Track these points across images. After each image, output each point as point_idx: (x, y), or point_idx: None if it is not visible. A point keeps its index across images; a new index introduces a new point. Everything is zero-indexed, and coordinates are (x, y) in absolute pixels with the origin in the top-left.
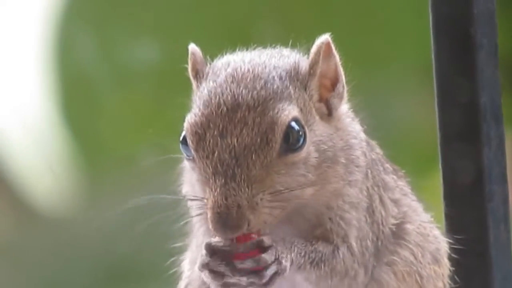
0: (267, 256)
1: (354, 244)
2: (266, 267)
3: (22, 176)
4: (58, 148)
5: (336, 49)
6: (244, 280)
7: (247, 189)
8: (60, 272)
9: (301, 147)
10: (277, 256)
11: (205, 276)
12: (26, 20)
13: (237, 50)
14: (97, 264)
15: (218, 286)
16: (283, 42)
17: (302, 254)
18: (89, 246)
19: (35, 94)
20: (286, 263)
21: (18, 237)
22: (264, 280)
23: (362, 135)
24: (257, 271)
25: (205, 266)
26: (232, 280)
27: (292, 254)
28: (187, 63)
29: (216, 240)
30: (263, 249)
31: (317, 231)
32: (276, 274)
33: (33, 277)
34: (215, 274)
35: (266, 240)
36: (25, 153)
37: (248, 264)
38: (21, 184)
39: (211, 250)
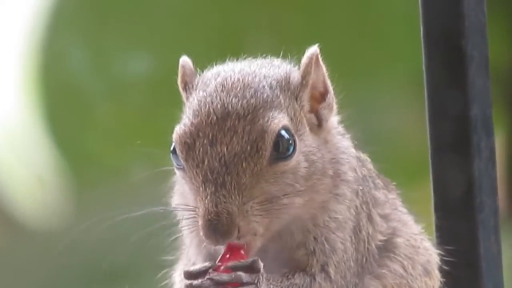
0: (244, 276)
1: (332, 272)
2: (243, 284)
3: (8, 188)
4: (46, 160)
5: (325, 59)
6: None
7: (237, 197)
8: (48, 285)
9: (291, 155)
10: (256, 282)
11: None
12: (13, 29)
13: (228, 60)
14: (85, 276)
15: None
16: (275, 53)
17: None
18: (78, 259)
19: (23, 106)
20: None
21: (4, 249)
22: None
23: (352, 151)
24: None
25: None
26: None
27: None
28: (177, 75)
29: (192, 267)
30: (251, 270)
31: (300, 252)
32: None
33: None
34: None
35: (259, 264)
36: (12, 165)
37: (225, 277)
38: (7, 196)
39: (189, 276)
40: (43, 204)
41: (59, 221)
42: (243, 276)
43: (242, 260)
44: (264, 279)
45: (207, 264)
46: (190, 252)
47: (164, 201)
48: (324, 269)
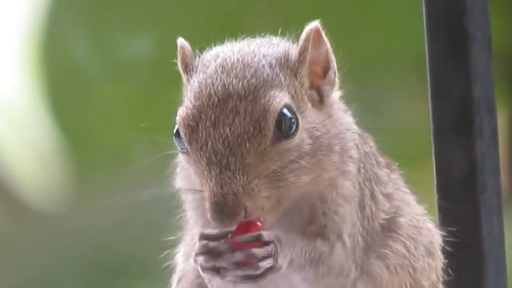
0: (259, 251)
1: (347, 240)
2: (259, 260)
3: (12, 171)
4: (48, 142)
5: (327, 36)
6: (238, 272)
7: (242, 177)
8: (52, 266)
9: (294, 133)
10: (273, 253)
11: (202, 263)
12: (14, 13)
13: (227, 41)
14: (89, 257)
15: (214, 277)
16: (275, 33)
17: (303, 253)
18: (82, 240)
19: (25, 89)
20: (282, 262)
21: (8, 232)
22: (258, 272)
23: (355, 127)
24: (252, 263)
25: (201, 249)
26: (229, 271)
27: (293, 254)
28: (177, 56)
29: (210, 230)
30: (262, 243)
31: (312, 227)
32: (270, 269)
33: (25, 271)
34: (211, 257)
35: (266, 236)
36: (15, 148)
37: (238, 256)
38: (11, 179)
39: (205, 238)
40: (46, 186)
41: (61, 203)
42: (257, 252)
43: (250, 234)
44: (281, 248)
45: (225, 229)
46: (194, 232)
47: (167, 183)
48: (339, 237)
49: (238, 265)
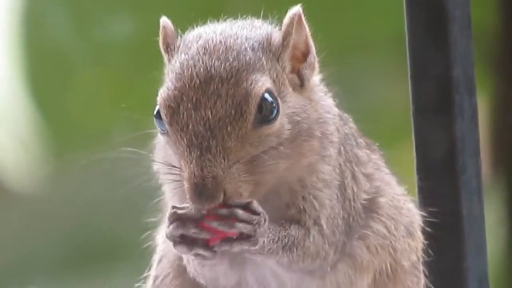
0: (242, 213)
1: (324, 225)
2: (241, 221)
3: None
4: (28, 123)
5: (306, 19)
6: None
7: (222, 160)
8: (32, 248)
9: (274, 118)
10: (255, 223)
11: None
12: None
13: (209, 22)
14: (69, 239)
15: (190, 256)
16: (255, 14)
17: (276, 239)
18: (61, 222)
19: (4, 70)
20: (260, 237)
21: None
22: (233, 229)
23: (335, 110)
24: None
25: (171, 233)
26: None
27: (265, 239)
28: (159, 36)
29: (181, 207)
30: (251, 212)
31: (290, 211)
32: (246, 238)
33: (4, 253)
34: (184, 241)
35: (255, 206)
36: None
37: (222, 212)
38: None
39: (176, 218)
40: (25, 168)
41: (41, 185)
42: (241, 212)
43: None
44: (265, 225)
45: (199, 210)
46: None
47: (146, 165)
48: (316, 222)
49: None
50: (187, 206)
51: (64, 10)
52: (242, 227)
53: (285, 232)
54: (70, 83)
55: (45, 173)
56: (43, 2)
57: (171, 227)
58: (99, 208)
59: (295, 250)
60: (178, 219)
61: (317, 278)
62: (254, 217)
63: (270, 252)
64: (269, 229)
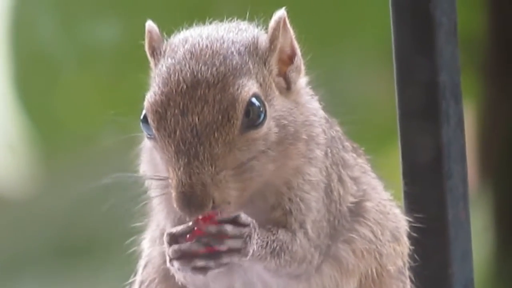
0: (231, 229)
1: (309, 229)
2: (231, 237)
3: None
4: (15, 127)
5: (291, 22)
6: (206, 261)
7: (210, 167)
8: (19, 250)
9: (261, 123)
10: (245, 236)
11: (176, 266)
12: None
13: (194, 25)
14: (56, 243)
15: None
16: (241, 16)
17: (264, 245)
18: (48, 224)
19: None
20: (250, 248)
21: None
22: (222, 247)
23: (321, 113)
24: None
25: (175, 254)
26: (201, 262)
27: (256, 246)
28: (144, 40)
29: (175, 229)
30: (238, 225)
31: (276, 213)
32: (236, 251)
33: None
34: (184, 258)
35: (243, 218)
36: None
37: (211, 228)
38: None
39: (173, 238)
40: (13, 172)
41: (28, 188)
42: (230, 228)
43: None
44: (255, 235)
45: (190, 224)
46: (159, 218)
47: (132, 168)
48: (302, 226)
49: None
50: (180, 230)
51: (51, 14)
52: (232, 243)
53: (273, 237)
54: (58, 87)
55: (33, 176)
56: (30, 6)
57: (177, 263)
58: (86, 211)
59: (282, 255)
60: (174, 239)
61: (303, 281)
62: (244, 230)
63: (259, 258)
64: (257, 235)
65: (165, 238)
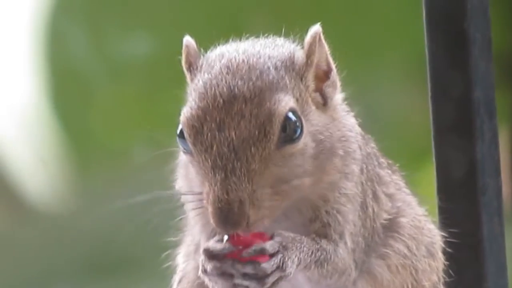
0: (267, 265)
1: (349, 241)
2: (267, 275)
3: (13, 170)
4: (51, 142)
5: (326, 39)
6: (246, 283)
7: (248, 184)
8: (53, 266)
9: (298, 138)
10: (280, 263)
11: (212, 278)
12: (17, 14)
13: (230, 41)
14: (90, 257)
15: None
16: (275, 32)
17: (310, 253)
18: (82, 240)
19: (27, 89)
20: (290, 268)
21: (10, 232)
22: (265, 287)
23: (358, 129)
24: (259, 278)
25: (212, 269)
26: (238, 280)
27: (301, 254)
28: (180, 55)
29: (212, 244)
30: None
31: (315, 225)
32: (279, 279)
33: (26, 271)
34: (223, 275)
35: (270, 248)
36: (16, 147)
37: (248, 269)
38: (12, 178)
39: (210, 255)
40: (47, 187)
41: (63, 203)
42: (267, 267)
43: (253, 247)
44: (288, 256)
45: (227, 245)
46: (194, 232)
47: (167, 184)
48: (342, 237)
49: (247, 276)
50: (218, 249)
51: (85, 29)
52: (272, 279)
53: (317, 245)
54: (92, 102)
55: (67, 191)
56: (65, 23)
57: (217, 279)
58: (120, 226)
59: (325, 265)
60: (213, 257)
61: None
62: (278, 258)
63: (304, 266)
64: (303, 243)
65: (202, 252)
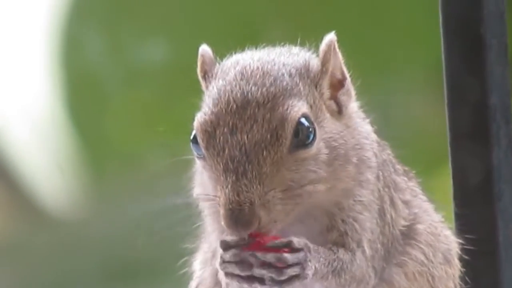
0: (290, 257)
1: (367, 249)
2: (288, 266)
3: (29, 175)
4: (66, 147)
5: (341, 47)
6: (263, 273)
7: (258, 186)
8: (68, 272)
9: (311, 143)
10: (302, 261)
11: (229, 269)
12: (33, 18)
13: (246, 49)
14: (106, 264)
15: (239, 283)
16: (292, 41)
17: (326, 263)
18: (98, 246)
19: (43, 93)
20: (309, 271)
21: (25, 237)
22: (282, 278)
23: (373, 136)
24: (279, 268)
25: (234, 257)
26: (258, 270)
27: (317, 264)
28: (196, 62)
29: (230, 237)
30: (292, 250)
31: (332, 234)
32: (296, 277)
33: (40, 277)
34: (242, 264)
35: (296, 243)
36: (32, 152)
37: (269, 258)
38: (28, 184)
39: (227, 246)
40: (63, 192)
41: (78, 209)
42: (289, 258)
43: (280, 239)
44: (310, 257)
45: (244, 237)
46: (211, 239)
47: (184, 191)
48: (359, 245)
49: (267, 267)
50: (235, 240)
51: (102, 36)
52: (291, 271)
53: (334, 255)
54: (108, 107)
55: (83, 197)
56: (81, 28)
57: (235, 267)
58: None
59: (343, 274)
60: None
61: None
62: (300, 255)
63: (321, 277)
64: (319, 253)
65: (219, 244)
